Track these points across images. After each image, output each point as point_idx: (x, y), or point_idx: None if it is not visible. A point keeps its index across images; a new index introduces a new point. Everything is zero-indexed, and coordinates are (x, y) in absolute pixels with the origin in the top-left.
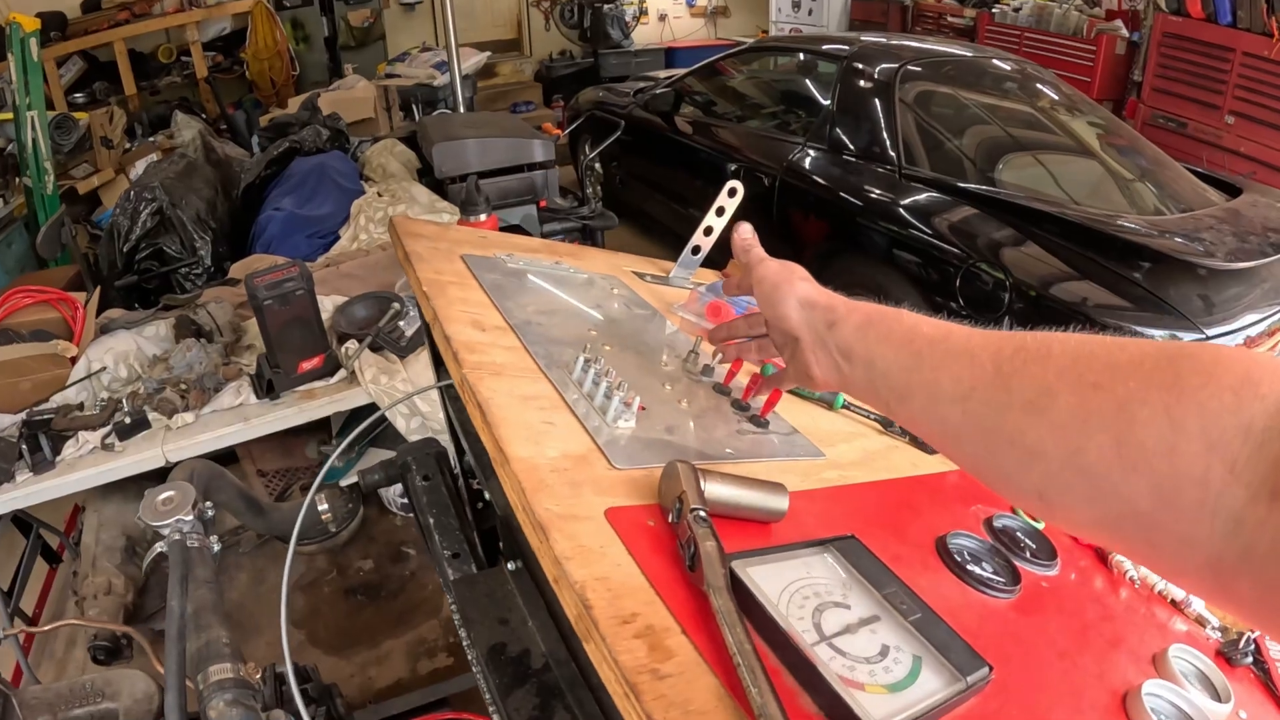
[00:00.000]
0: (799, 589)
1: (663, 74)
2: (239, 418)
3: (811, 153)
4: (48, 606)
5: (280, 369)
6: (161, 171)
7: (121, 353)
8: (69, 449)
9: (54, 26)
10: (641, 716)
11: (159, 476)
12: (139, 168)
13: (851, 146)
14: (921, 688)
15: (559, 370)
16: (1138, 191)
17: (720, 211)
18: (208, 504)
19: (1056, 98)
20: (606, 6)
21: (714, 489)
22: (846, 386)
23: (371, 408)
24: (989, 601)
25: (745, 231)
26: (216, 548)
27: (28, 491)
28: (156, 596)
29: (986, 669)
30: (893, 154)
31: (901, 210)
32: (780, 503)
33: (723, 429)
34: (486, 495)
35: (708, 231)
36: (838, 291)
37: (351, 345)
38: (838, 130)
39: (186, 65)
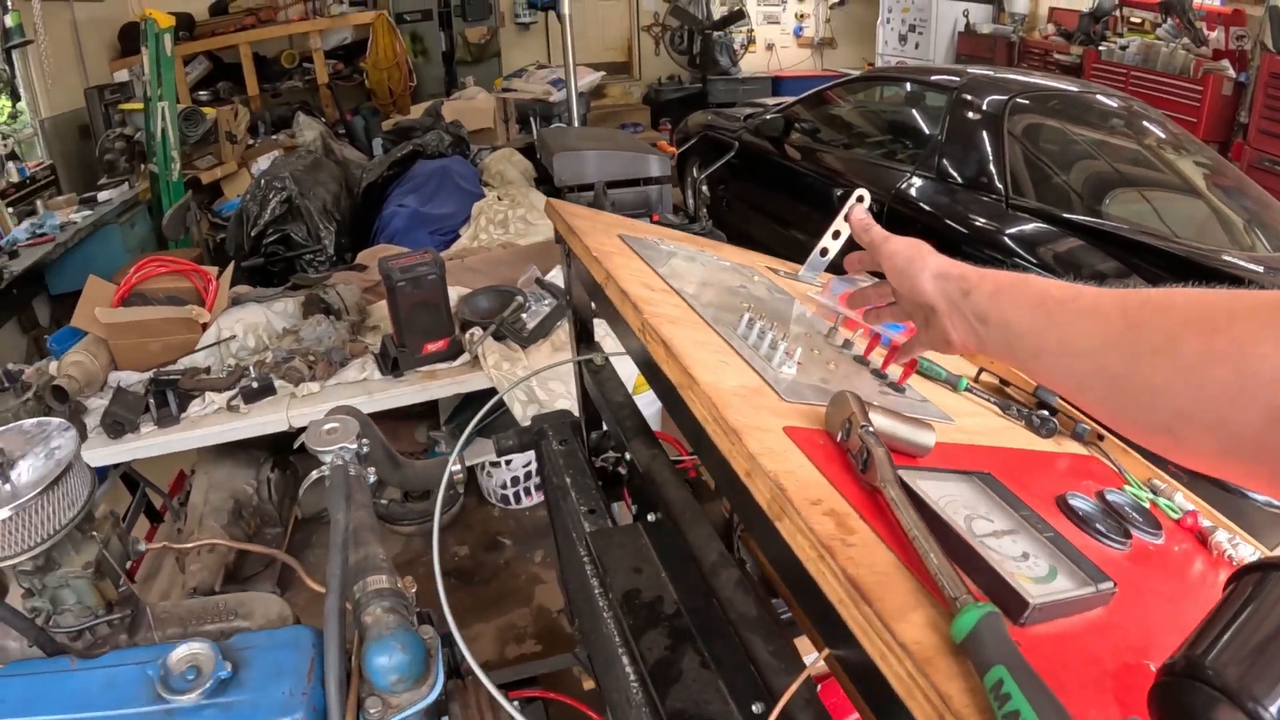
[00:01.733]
0: (950, 500)
1: (771, 101)
2: (363, 391)
3: (919, 181)
4: (145, 562)
5: (406, 348)
6: (290, 164)
7: (251, 324)
8: (195, 407)
9: (182, 27)
10: (837, 572)
11: (272, 448)
12: (261, 163)
13: (959, 176)
14: (1059, 584)
15: (725, 326)
16: (1242, 230)
17: (847, 217)
18: (363, 440)
19: (1163, 136)
20: (716, 34)
21: (876, 417)
22: (983, 348)
23: (484, 396)
24: (1105, 549)
25: (860, 213)
26: (372, 478)
27: (150, 443)
28: (255, 560)
29: (1111, 583)
30: (1000, 185)
31: (1007, 239)
32: (929, 438)
33: (866, 389)
34: (628, 456)
35: (835, 235)
36: None
37: (475, 332)
38: (945, 159)
39: (308, 71)
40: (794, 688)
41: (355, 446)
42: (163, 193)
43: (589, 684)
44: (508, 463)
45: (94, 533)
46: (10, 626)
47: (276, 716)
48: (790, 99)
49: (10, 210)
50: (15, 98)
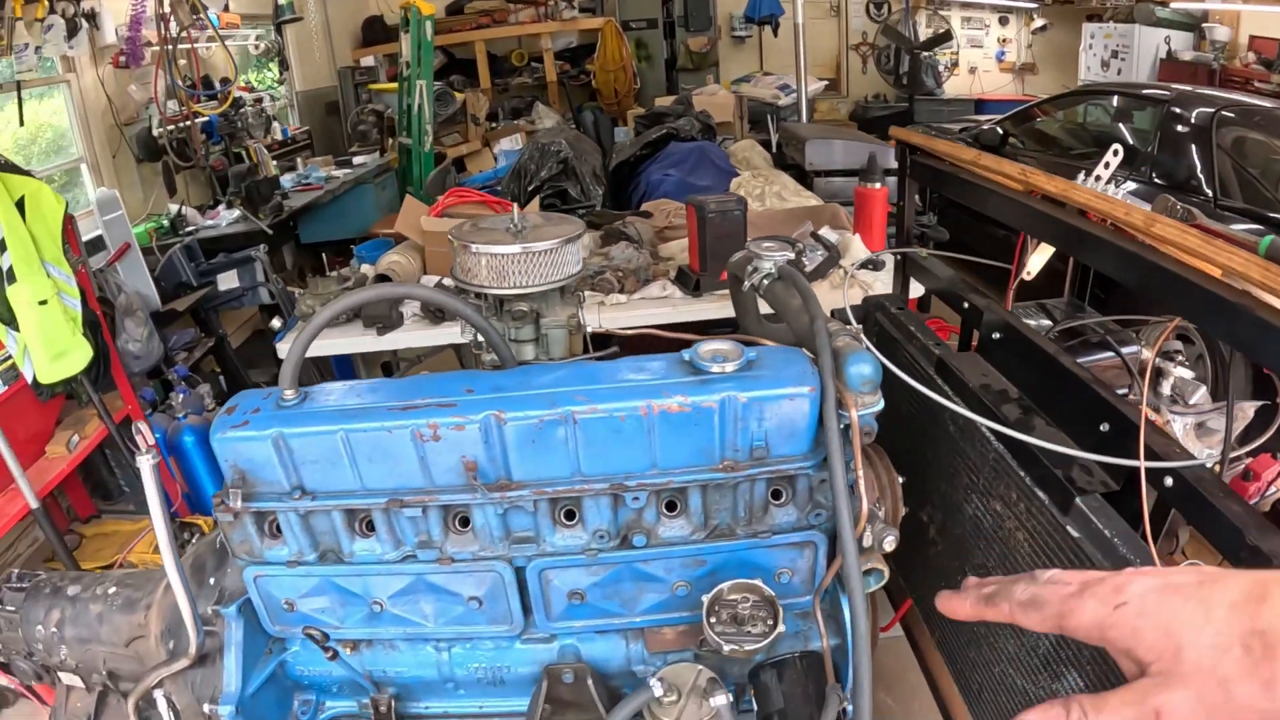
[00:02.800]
0: None
1: (983, 118)
2: (666, 305)
3: (1131, 185)
4: None
5: (708, 273)
6: (560, 133)
7: None
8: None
9: None
10: (1193, 235)
11: None
12: (504, 144)
13: (1168, 180)
14: None
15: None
16: None
17: (1106, 165)
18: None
19: None
20: (924, 55)
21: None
22: None
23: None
24: None
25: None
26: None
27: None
28: None
29: None
30: (1208, 189)
31: None
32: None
33: None
34: (965, 304)
35: (1098, 178)
36: None
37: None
38: (1155, 165)
39: (536, 69)
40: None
41: (792, 255)
42: (413, 162)
43: None
44: None
45: (577, 292)
46: (495, 350)
47: (796, 384)
48: (998, 116)
49: (274, 163)
50: (284, 66)
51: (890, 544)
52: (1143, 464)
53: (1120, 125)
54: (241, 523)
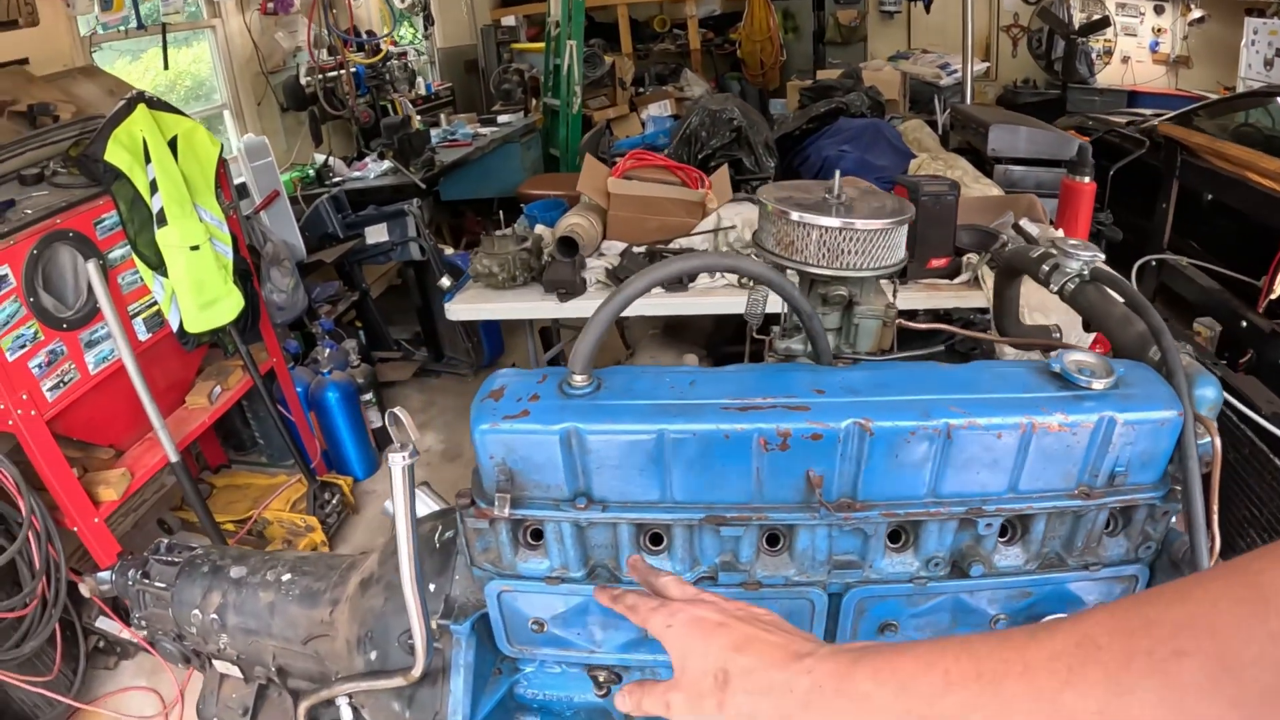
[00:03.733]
0: None
1: (1148, 112)
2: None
3: None
4: None
5: (915, 260)
6: (725, 100)
7: (749, 219)
8: (702, 280)
9: None
10: None
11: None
12: (651, 109)
13: None
14: None
15: None
16: None
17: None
18: None
19: None
20: (1080, 40)
21: None
22: None
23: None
24: None
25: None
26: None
27: (653, 302)
28: None
29: None
30: None
31: None
32: None
33: None
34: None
35: None
36: None
37: (973, 258)
38: None
39: (679, 37)
40: None
41: (1102, 255)
42: (559, 123)
43: None
44: None
45: (890, 281)
46: (814, 342)
47: (1167, 407)
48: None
49: (418, 119)
50: (428, 22)
51: None
52: None
53: None
54: (493, 529)
